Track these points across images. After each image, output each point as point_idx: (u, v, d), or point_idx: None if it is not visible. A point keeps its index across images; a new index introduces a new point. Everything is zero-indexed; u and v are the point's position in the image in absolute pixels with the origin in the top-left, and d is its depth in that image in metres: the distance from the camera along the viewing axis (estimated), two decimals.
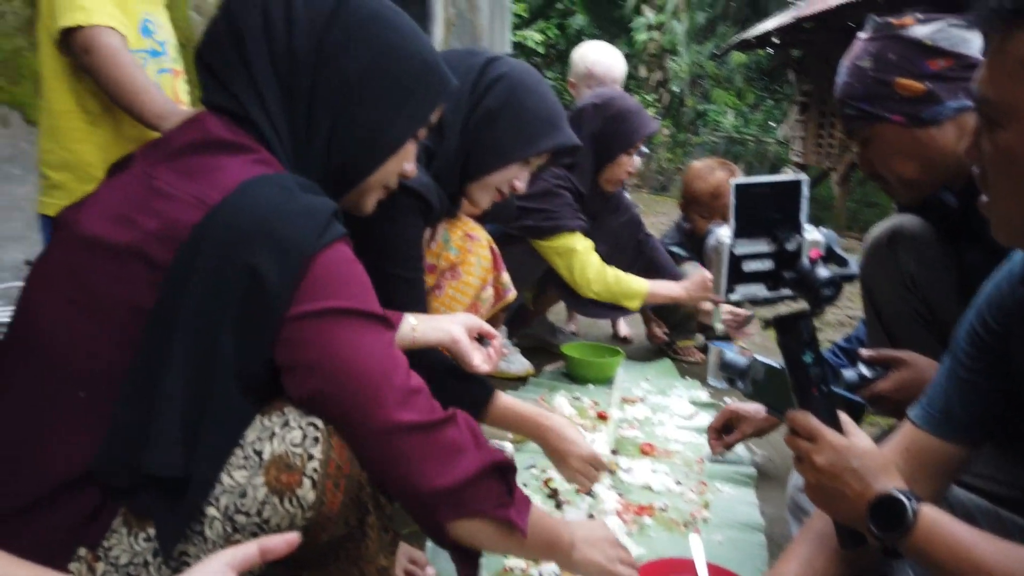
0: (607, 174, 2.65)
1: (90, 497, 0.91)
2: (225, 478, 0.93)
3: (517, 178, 1.70)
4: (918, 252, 1.54)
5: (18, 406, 0.94)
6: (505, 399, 1.50)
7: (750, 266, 0.97)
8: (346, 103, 1.06)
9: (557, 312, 3.36)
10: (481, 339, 1.48)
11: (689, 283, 2.58)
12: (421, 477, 0.97)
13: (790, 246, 0.97)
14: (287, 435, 0.94)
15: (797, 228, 0.97)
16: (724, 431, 2.03)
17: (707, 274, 2.53)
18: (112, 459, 0.90)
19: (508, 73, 1.63)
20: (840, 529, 1.00)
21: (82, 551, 0.91)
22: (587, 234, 2.61)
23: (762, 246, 0.97)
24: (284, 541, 0.77)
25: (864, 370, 1.52)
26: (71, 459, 0.91)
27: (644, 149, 2.95)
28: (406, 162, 1.18)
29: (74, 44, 1.57)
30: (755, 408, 1.95)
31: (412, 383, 0.99)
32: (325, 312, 0.93)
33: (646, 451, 2.08)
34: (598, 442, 2.08)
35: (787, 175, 1.02)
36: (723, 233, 0.97)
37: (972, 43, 1.33)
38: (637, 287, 2.54)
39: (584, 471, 1.49)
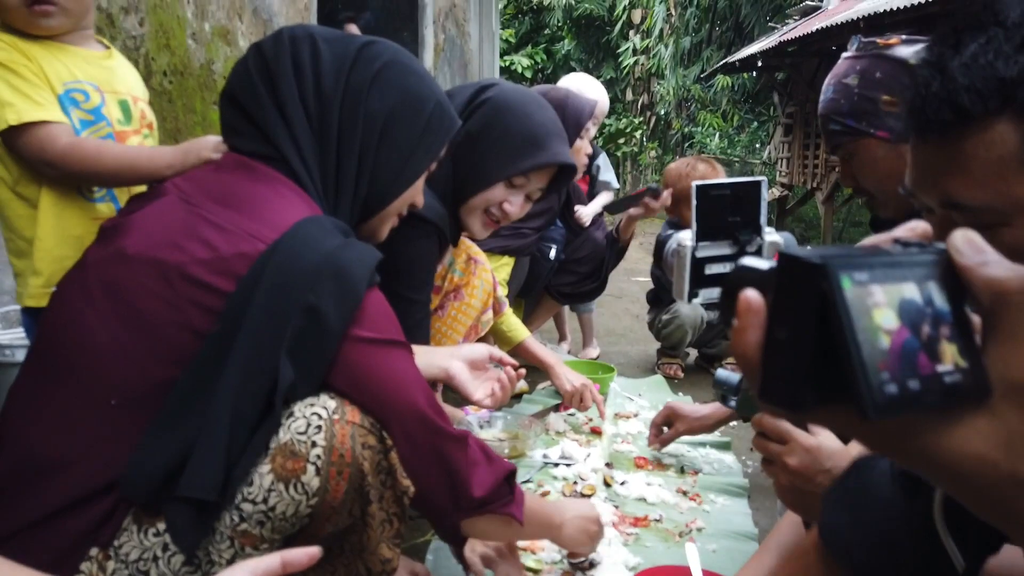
0: None
1: (108, 501, 0.95)
2: None
3: (506, 201, 1.69)
4: None
5: (49, 417, 0.97)
6: None
7: (712, 269, 0.98)
8: (372, 142, 1.16)
9: (549, 331, 3.40)
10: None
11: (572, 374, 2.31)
12: (467, 483, 1.11)
13: (751, 248, 0.98)
14: (292, 424, 0.99)
15: (757, 230, 0.98)
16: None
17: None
18: (142, 476, 0.94)
19: (493, 97, 1.65)
20: None
21: (94, 551, 0.95)
22: (568, 243, 2.71)
23: (723, 248, 0.98)
24: (305, 554, 0.79)
25: None
26: (97, 470, 0.94)
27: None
28: (417, 193, 1.29)
29: (26, 154, 1.34)
30: (692, 408, 2.03)
31: (436, 401, 1.11)
32: (375, 341, 1.04)
33: (640, 464, 2.11)
34: (593, 456, 2.11)
35: (747, 177, 1.04)
36: (684, 237, 0.98)
37: None
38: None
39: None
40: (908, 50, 1.40)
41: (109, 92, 1.49)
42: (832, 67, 1.52)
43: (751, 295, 0.45)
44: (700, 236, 0.97)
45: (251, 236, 0.98)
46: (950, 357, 0.42)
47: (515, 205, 1.71)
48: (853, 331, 0.40)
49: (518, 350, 2.33)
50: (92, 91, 1.45)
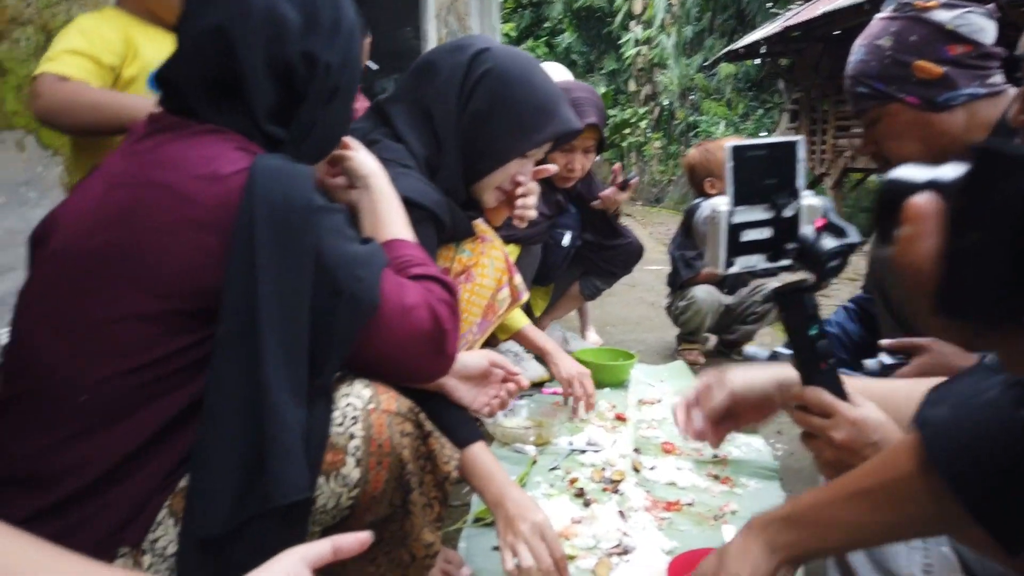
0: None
1: (126, 497, 0.90)
2: None
3: (519, 173, 1.69)
4: None
5: (28, 426, 0.90)
6: (481, 454, 1.37)
7: (748, 235, 0.92)
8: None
9: (570, 321, 3.38)
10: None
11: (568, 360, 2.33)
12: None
13: (788, 212, 0.92)
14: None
15: (794, 193, 0.92)
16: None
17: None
18: (214, 510, 0.87)
19: (492, 68, 1.58)
20: None
21: (124, 550, 0.90)
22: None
23: (760, 213, 0.92)
24: (356, 540, 0.77)
25: (885, 358, 1.53)
26: (83, 470, 0.88)
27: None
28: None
29: (31, 108, 1.49)
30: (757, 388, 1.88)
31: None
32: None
33: (668, 450, 2.09)
34: (619, 442, 2.09)
35: (783, 137, 0.98)
36: (718, 202, 0.92)
37: (988, 32, 1.35)
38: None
39: (531, 540, 1.28)
40: (947, 15, 1.36)
41: None
42: (835, 52, 1.48)
43: (925, 199, 0.41)
44: (736, 200, 0.90)
45: (137, 182, 0.90)
46: None
47: (527, 174, 1.72)
48: None
49: (517, 337, 2.32)
50: None
